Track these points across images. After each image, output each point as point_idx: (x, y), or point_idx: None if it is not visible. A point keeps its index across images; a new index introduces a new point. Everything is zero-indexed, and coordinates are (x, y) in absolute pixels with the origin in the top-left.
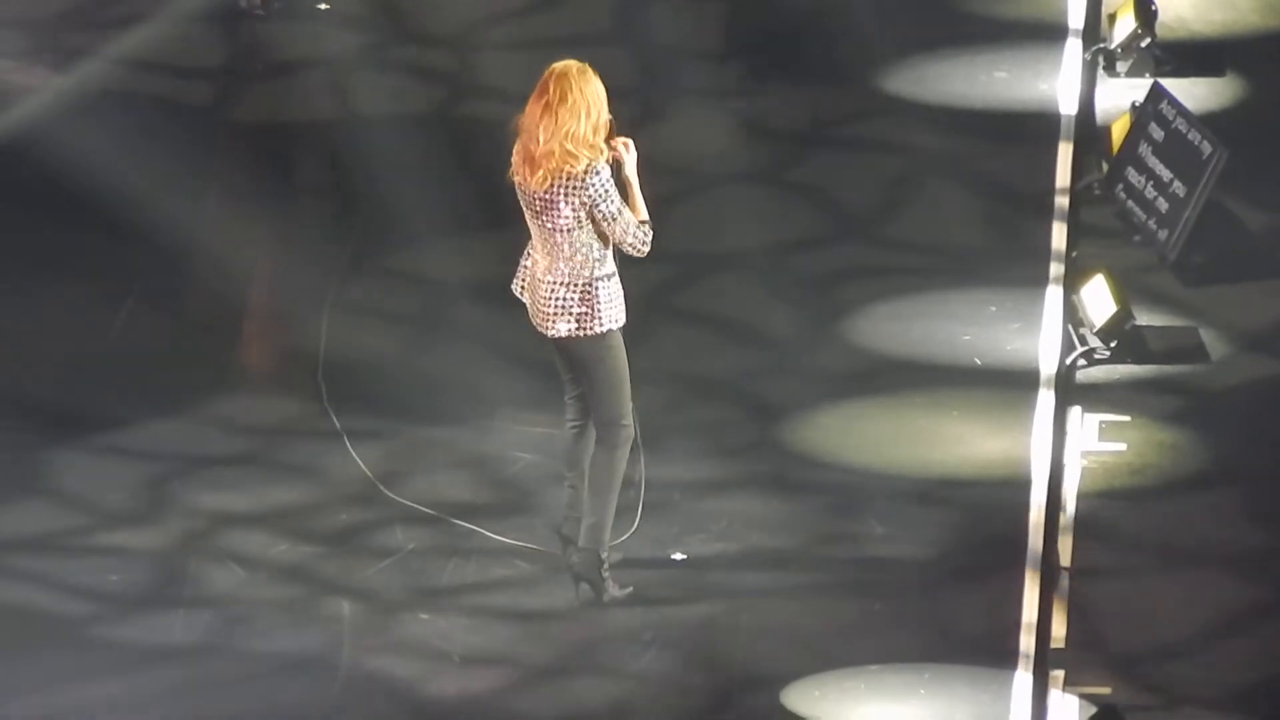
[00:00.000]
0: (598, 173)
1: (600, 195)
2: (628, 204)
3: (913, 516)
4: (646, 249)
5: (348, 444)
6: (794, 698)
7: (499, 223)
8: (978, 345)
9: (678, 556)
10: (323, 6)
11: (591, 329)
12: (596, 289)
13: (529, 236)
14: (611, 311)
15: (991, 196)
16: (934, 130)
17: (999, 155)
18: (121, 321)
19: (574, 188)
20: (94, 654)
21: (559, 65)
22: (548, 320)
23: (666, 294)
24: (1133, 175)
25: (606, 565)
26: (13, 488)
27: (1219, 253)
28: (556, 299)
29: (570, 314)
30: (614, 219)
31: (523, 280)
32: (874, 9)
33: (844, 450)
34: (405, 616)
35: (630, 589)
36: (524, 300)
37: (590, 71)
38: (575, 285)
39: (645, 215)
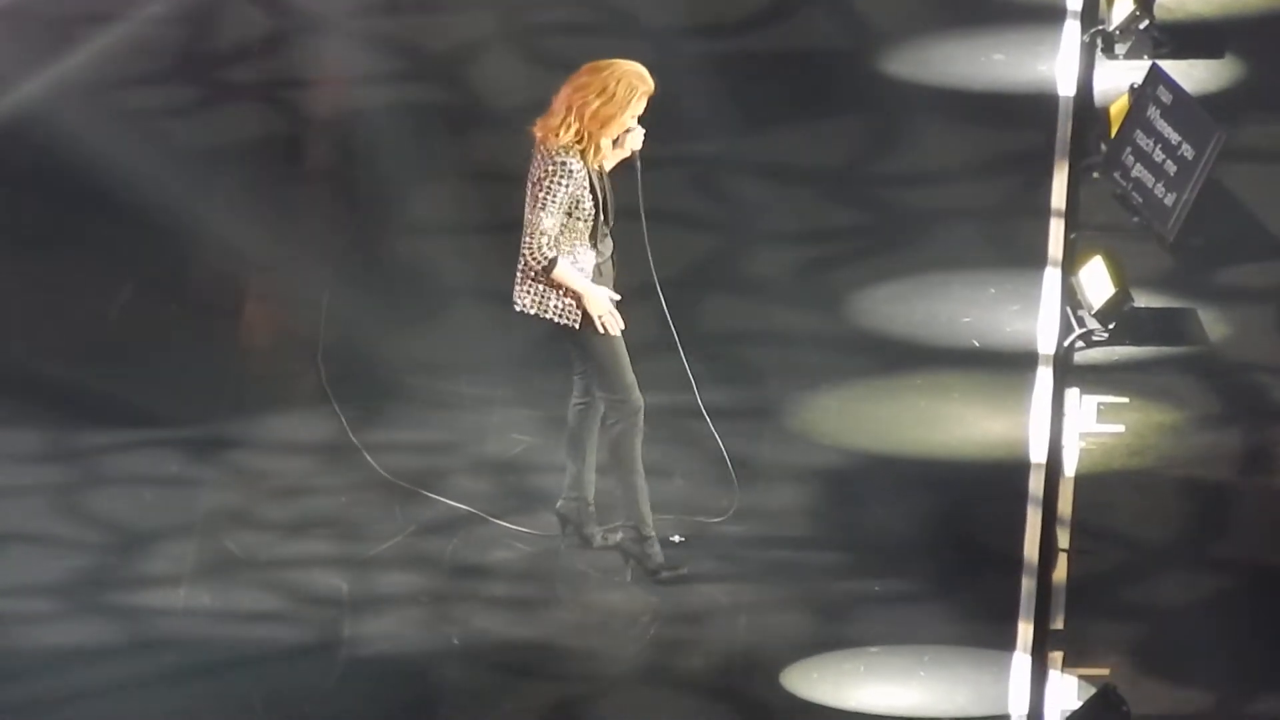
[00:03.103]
0: (563, 160)
1: (537, 177)
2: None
3: (912, 497)
4: (526, 256)
5: (346, 427)
6: (793, 679)
7: (500, 208)
8: (977, 327)
9: (676, 539)
10: None
11: (543, 313)
12: (534, 289)
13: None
14: (560, 306)
15: (990, 179)
16: (933, 112)
17: (998, 137)
18: (122, 305)
19: (542, 157)
20: (92, 639)
21: (625, 60)
22: (515, 290)
23: (668, 274)
24: (1141, 139)
25: (653, 540)
26: (10, 467)
27: (1217, 234)
28: (521, 271)
29: (526, 289)
30: (530, 205)
31: None
32: None
33: (844, 431)
34: (404, 598)
35: (683, 570)
36: None
37: (648, 82)
38: (522, 258)
39: (545, 237)
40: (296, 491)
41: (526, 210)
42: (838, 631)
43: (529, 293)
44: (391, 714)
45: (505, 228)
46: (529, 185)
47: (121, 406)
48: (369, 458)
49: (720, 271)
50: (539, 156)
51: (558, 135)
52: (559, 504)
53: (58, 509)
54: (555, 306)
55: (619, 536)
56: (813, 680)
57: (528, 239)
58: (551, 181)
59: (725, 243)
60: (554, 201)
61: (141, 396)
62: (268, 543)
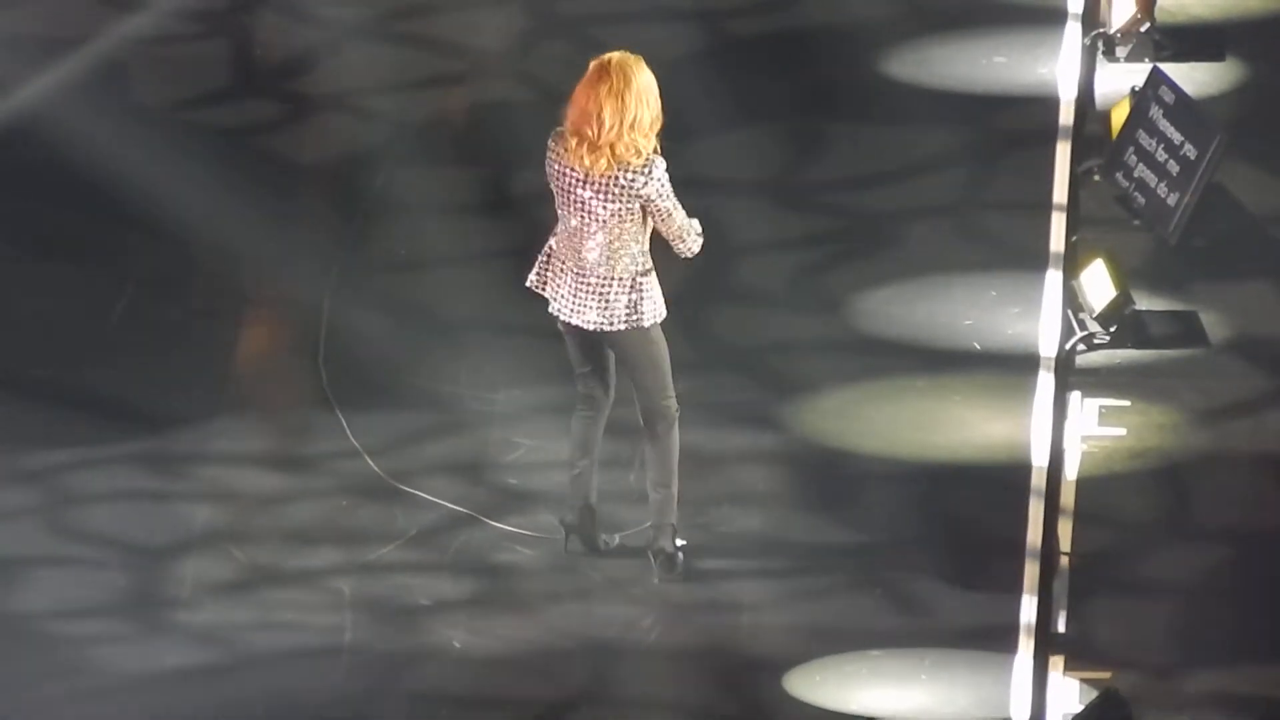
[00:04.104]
0: (656, 165)
1: (658, 190)
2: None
3: (913, 500)
4: (698, 249)
5: (347, 430)
6: (795, 683)
7: (501, 210)
8: (978, 330)
9: (678, 542)
10: None
11: (636, 323)
12: (640, 284)
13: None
14: (653, 306)
15: (991, 181)
16: (934, 115)
17: (998, 140)
18: (122, 308)
19: (631, 180)
20: (93, 646)
21: (616, 54)
22: (586, 314)
23: (667, 278)
24: (1144, 138)
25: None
26: (9, 473)
27: (1219, 237)
28: (599, 293)
29: (614, 307)
30: (670, 214)
31: (543, 274)
32: None
33: (845, 434)
34: (405, 602)
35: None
36: (544, 294)
37: (645, 63)
38: (621, 280)
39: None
40: (297, 495)
41: (661, 226)
42: (839, 635)
43: (648, 305)
44: (392, 718)
45: (508, 234)
46: (622, 199)
47: (119, 412)
48: (370, 461)
49: (720, 275)
50: (625, 172)
51: (640, 154)
52: (564, 514)
53: (52, 524)
54: (659, 309)
55: (615, 542)
56: (815, 683)
57: (689, 241)
58: (666, 184)
59: (725, 246)
60: (673, 195)
61: (139, 401)
62: (268, 547)
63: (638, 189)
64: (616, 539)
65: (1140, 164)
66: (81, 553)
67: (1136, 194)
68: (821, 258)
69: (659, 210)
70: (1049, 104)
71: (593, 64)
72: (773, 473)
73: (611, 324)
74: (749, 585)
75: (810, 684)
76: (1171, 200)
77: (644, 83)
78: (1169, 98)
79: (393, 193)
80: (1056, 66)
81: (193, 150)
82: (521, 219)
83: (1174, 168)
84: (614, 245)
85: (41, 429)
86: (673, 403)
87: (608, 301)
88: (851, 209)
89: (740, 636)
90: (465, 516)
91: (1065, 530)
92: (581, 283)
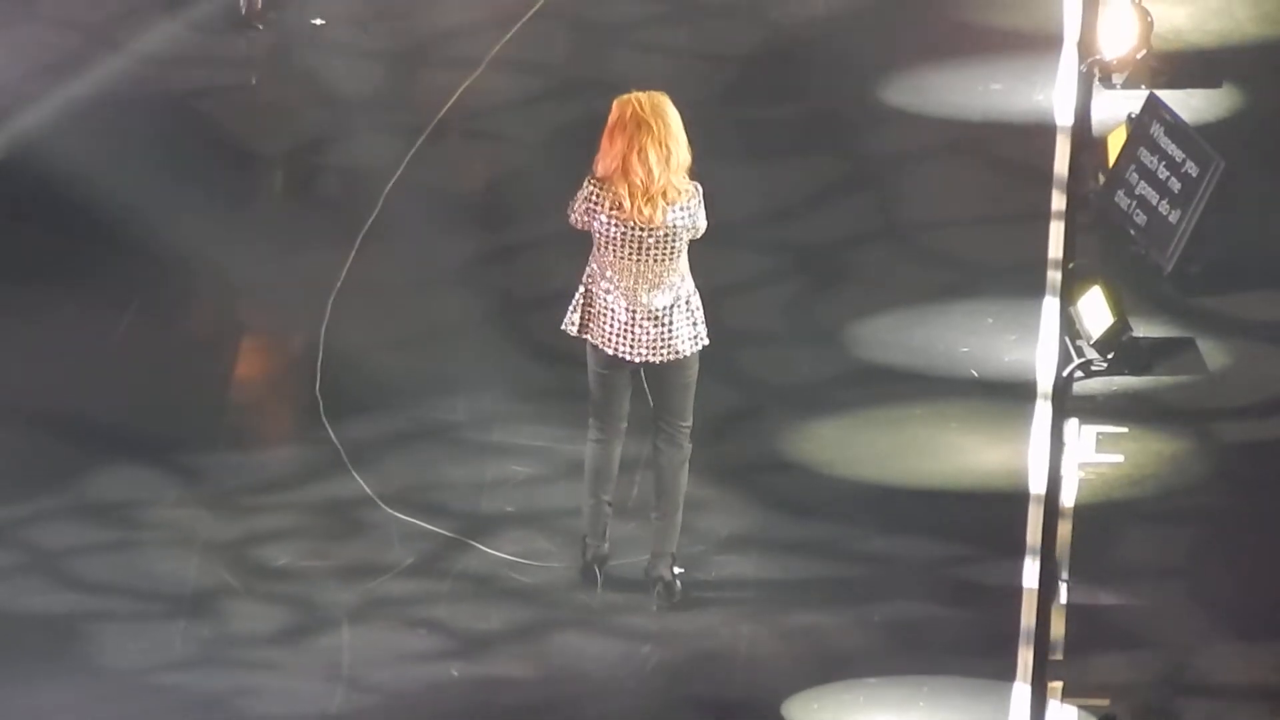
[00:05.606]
0: (698, 189)
1: (702, 211)
2: None
3: (911, 528)
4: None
5: (345, 459)
6: (794, 710)
7: (499, 237)
8: (975, 357)
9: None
10: (317, 21)
11: (698, 343)
12: (694, 303)
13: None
14: (704, 323)
15: (988, 208)
16: (930, 142)
17: (995, 167)
18: (120, 335)
19: (683, 212)
20: (90, 669)
21: (642, 96)
22: (656, 347)
23: None
24: (1145, 156)
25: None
26: (8, 494)
27: (1216, 263)
28: (663, 323)
29: (678, 333)
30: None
31: (576, 317)
32: (870, 21)
33: (843, 461)
34: (403, 631)
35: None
36: (584, 337)
37: (666, 96)
38: (689, 304)
39: None
40: (294, 524)
41: (676, 257)
42: (837, 662)
43: (703, 321)
44: None
45: (511, 254)
46: (685, 232)
47: (116, 438)
48: (368, 489)
49: (720, 298)
50: (682, 208)
51: (685, 189)
52: (595, 546)
53: (38, 566)
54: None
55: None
56: (813, 711)
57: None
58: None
59: (725, 269)
60: None
61: (137, 428)
62: (265, 575)
63: (691, 218)
64: (611, 559)
65: (1142, 181)
66: (76, 597)
67: (1138, 212)
68: (818, 286)
69: (699, 227)
70: (1045, 131)
71: (622, 109)
72: (770, 500)
73: (678, 352)
74: (746, 613)
75: (808, 712)
76: (1173, 218)
77: (677, 120)
78: (1169, 118)
79: (391, 220)
80: (1053, 93)
81: (188, 177)
82: (522, 247)
83: (1175, 185)
84: (675, 274)
85: (27, 462)
86: (689, 431)
87: (672, 330)
88: (848, 237)
89: (738, 664)
90: (462, 544)
91: (1063, 557)
92: (646, 318)
